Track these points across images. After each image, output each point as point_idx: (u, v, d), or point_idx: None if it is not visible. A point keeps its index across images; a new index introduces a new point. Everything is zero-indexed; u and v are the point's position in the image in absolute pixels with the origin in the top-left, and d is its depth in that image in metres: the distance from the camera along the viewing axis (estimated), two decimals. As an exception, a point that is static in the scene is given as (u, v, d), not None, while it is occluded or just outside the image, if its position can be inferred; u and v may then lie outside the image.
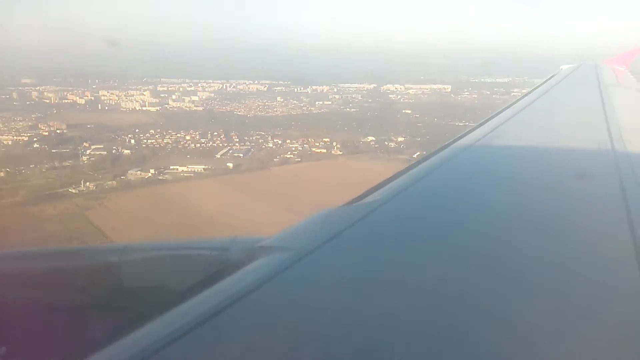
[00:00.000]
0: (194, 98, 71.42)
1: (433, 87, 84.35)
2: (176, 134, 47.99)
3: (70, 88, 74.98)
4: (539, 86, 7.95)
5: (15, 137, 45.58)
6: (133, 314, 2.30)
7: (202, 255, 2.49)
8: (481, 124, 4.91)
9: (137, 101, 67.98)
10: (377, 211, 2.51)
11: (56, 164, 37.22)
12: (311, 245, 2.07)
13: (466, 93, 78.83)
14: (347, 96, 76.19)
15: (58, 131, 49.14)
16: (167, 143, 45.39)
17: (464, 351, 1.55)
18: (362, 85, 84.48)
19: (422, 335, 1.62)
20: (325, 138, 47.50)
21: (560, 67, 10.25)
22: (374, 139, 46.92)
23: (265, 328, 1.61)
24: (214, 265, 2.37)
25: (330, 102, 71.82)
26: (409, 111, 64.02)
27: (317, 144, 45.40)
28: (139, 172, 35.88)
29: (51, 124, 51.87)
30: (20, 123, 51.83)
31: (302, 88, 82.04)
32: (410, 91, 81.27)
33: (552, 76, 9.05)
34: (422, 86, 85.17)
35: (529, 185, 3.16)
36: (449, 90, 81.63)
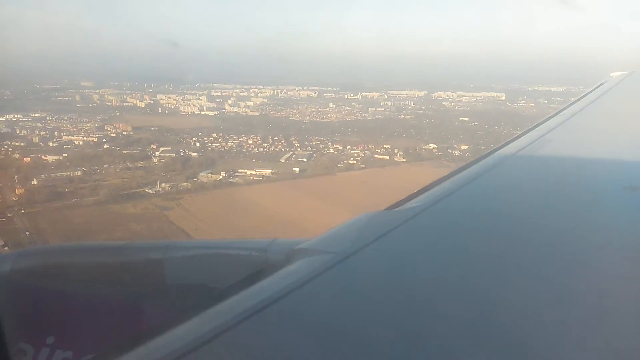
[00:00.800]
0: (249, 103, 72.53)
1: (486, 95, 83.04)
2: (238, 138, 48.73)
3: (128, 92, 77.36)
4: (587, 94, 7.48)
5: (85, 138, 47.17)
6: (175, 311, 2.33)
7: (242, 256, 2.49)
8: (528, 131, 4.73)
9: (194, 105, 69.50)
10: (418, 217, 2.45)
11: (129, 164, 38.29)
12: (350, 249, 2.03)
13: (522, 102, 77.09)
14: (399, 103, 75.86)
15: (124, 133, 50.63)
16: (231, 147, 46.08)
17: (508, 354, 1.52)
18: (412, 92, 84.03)
19: (461, 340, 1.57)
20: (386, 145, 47.31)
21: (610, 74, 9.63)
22: (435, 146, 46.43)
23: (301, 330, 1.59)
24: (253, 265, 2.37)
25: (382, 109, 71.66)
26: (467, 119, 63.10)
27: (379, 151, 45.24)
28: (209, 174, 36.56)
29: (117, 125, 53.55)
30: (88, 124, 53.67)
31: (352, 94, 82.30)
32: (463, 99, 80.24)
33: (601, 84, 8.49)
34: (475, 94, 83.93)
35: (576, 197, 3.00)
36: (503, 98, 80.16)
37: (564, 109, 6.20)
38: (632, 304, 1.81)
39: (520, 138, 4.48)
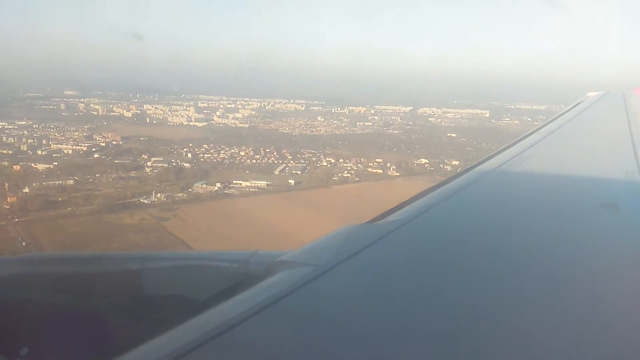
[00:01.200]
0: (237, 115, 72.43)
1: (470, 112, 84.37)
2: (230, 150, 48.57)
3: (113, 101, 76.63)
4: (564, 113, 7.71)
5: (74, 147, 46.50)
6: (152, 323, 2.32)
7: (222, 268, 2.49)
8: (507, 147, 4.84)
9: (182, 116, 69.14)
10: (399, 230, 2.47)
11: (122, 174, 37.85)
12: (331, 262, 2.04)
13: (507, 119, 78.46)
14: (386, 118, 76.62)
15: (114, 142, 50.10)
16: (223, 158, 45.90)
17: None
18: (397, 108, 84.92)
19: (441, 353, 1.60)
20: (378, 159, 47.67)
21: (587, 95, 10.03)
22: (427, 161, 46.93)
23: (281, 342, 1.61)
24: (233, 277, 2.36)
25: (370, 123, 72.23)
26: (454, 135, 63.95)
27: (371, 164, 45.53)
28: (204, 185, 36.32)
29: (105, 135, 52.92)
30: (76, 133, 52.91)
31: (338, 109, 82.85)
32: (448, 115, 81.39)
33: (578, 103, 8.77)
34: (460, 110, 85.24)
35: (552, 212, 3.05)
36: (488, 115, 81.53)
37: (543, 126, 6.36)
38: (610, 320, 1.83)
39: (500, 154, 4.55)
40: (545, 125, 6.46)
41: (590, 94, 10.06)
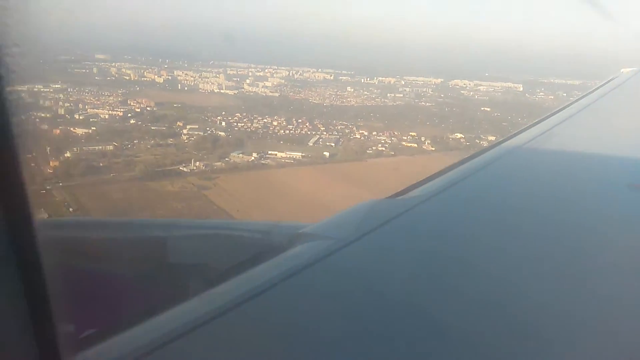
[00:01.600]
0: (267, 84, 72.01)
1: (503, 85, 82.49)
2: (262, 119, 48.48)
3: (144, 66, 76.81)
4: (596, 89, 7.41)
5: (110, 112, 46.90)
6: (176, 290, 2.31)
7: (245, 237, 2.50)
8: (535, 124, 4.69)
9: (212, 83, 69.11)
10: (420, 206, 2.46)
11: (159, 141, 38.12)
12: (351, 236, 2.06)
13: (541, 94, 76.62)
14: (417, 90, 75.41)
15: (148, 108, 50.35)
16: (257, 127, 45.94)
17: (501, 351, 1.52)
18: (428, 79, 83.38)
19: (459, 331, 1.57)
20: (412, 132, 47.14)
21: (621, 70, 9.57)
22: (462, 136, 46.24)
23: (301, 314, 1.60)
24: (255, 247, 2.37)
25: (401, 95, 71.26)
26: (488, 109, 62.83)
27: (405, 138, 45.12)
28: (240, 155, 36.46)
29: (139, 100, 53.16)
30: (110, 98, 53.28)
31: (368, 79, 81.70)
32: (480, 88, 79.74)
33: (611, 79, 8.46)
34: (492, 83, 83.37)
35: (579, 192, 2.98)
36: (521, 89, 79.65)
37: (574, 102, 6.17)
38: (633, 303, 1.80)
39: (527, 130, 4.44)
40: (577, 101, 6.31)
41: (625, 70, 9.69)
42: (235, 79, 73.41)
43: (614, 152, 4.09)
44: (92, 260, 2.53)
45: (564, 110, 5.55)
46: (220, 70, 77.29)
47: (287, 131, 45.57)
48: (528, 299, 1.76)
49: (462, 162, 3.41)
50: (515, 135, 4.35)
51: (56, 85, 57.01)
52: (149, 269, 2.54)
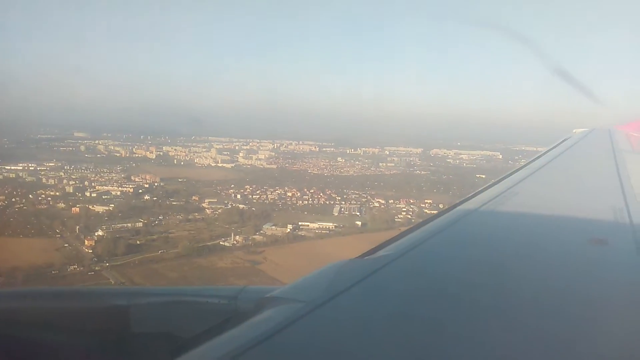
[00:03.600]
0: (260, 156, 72.20)
1: (482, 154, 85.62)
2: (274, 190, 48.03)
3: (128, 143, 75.78)
4: (550, 149, 7.80)
5: (120, 188, 45.37)
6: None
7: (210, 304, 2.46)
8: (491, 185, 4.88)
9: (205, 157, 68.63)
10: (389, 266, 2.48)
11: (184, 216, 36.93)
12: (321, 298, 2.03)
13: (522, 160, 79.20)
14: (405, 159, 77.20)
15: (155, 184, 49.08)
16: (272, 199, 45.31)
17: None
18: (408, 149, 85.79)
19: None
20: (427, 199, 47.66)
21: (573, 131, 10.24)
22: (476, 201, 46.97)
23: None
24: (222, 314, 2.35)
25: (392, 164, 72.64)
26: (483, 176, 64.48)
27: (424, 205, 45.47)
28: (273, 227, 35.59)
29: (143, 176, 51.84)
30: (113, 175, 51.82)
31: (352, 150, 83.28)
32: (462, 156, 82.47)
33: (564, 140, 8.91)
34: (471, 152, 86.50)
35: (538, 252, 3.06)
36: (501, 157, 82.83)
37: (529, 163, 6.39)
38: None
39: (487, 190, 4.59)
40: (532, 161, 6.46)
41: (577, 130, 10.26)
42: (225, 152, 73.37)
43: (571, 209, 4.19)
44: (49, 332, 2.43)
45: (520, 171, 5.73)
46: (206, 145, 77.32)
47: (304, 202, 45.14)
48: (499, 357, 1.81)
49: (425, 222, 3.51)
50: (475, 195, 4.49)
51: (50, 164, 55.24)
52: (111, 339, 2.44)
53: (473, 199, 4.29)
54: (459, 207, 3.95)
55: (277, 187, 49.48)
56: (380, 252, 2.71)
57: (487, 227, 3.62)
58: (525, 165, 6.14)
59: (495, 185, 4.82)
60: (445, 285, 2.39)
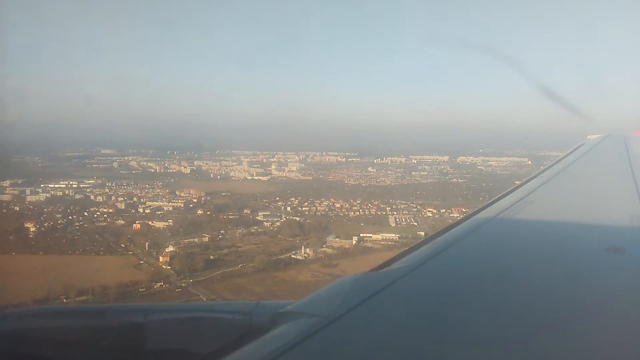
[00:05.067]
0: (292, 168, 72.08)
1: (511, 160, 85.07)
2: (320, 202, 47.72)
3: (157, 159, 75.84)
4: (565, 156, 7.75)
5: (170, 203, 45.18)
6: None
7: (225, 319, 2.45)
8: (507, 193, 4.84)
9: (239, 171, 68.55)
10: (404, 278, 2.47)
11: (245, 229, 36.66)
12: (336, 312, 2.01)
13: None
14: (435, 167, 76.78)
15: (203, 198, 48.92)
16: (322, 210, 44.98)
17: None
18: (433, 157, 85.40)
19: None
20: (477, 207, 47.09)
21: (587, 137, 10.13)
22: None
23: None
24: (237, 329, 2.34)
25: (425, 173, 72.23)
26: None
27: (476, 213, 44.95)
28: (337, 239, 35.23)
29: (187, 191, 51.68)
30: (158, 190, 51.72)
31: (379, 159, 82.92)
32: (492, 163, 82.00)
33: (579, 146, 8.85)
34: (498, 158, 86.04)
35: (557, 259, 3.03)
36: (530, 163, 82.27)
37: (544, 170, 6.37)
38: None
39: (503, 199, 4.55)
40: (547, 169, 6.45)
41: (591, 137, 10.20)
42: (255, 165, 73.28)
43: (588, 215, 4.17)
44: (67, 350, 2.46)
45: (536, 178, 5.72)
46: (234, 158, 77.25)
47: (355, 213, 44.78)
48: None
49: (442, 232, 3.50)
50: (490, 204, 4.47)
51: (90, 181, 55.25)
52: (126, 356, 2.47)
53: (489, 207, 4.26)
54: (473, 217, 3.92)
55: (322, 199, 49.19)
56: (395, 265, 2.69)
57: (503, 237, 3.58)
58: (540, 173, 6.13)
59: (511, 194, 4.77)
60: (461, 297, 2.36)
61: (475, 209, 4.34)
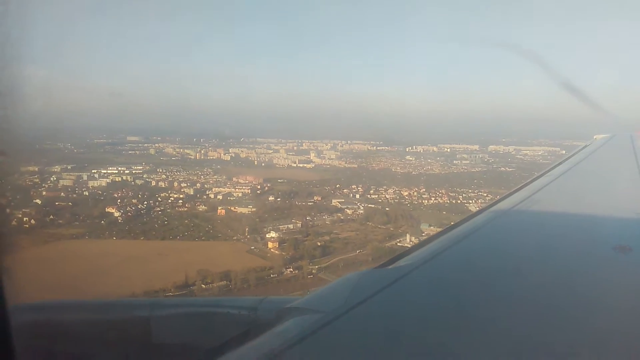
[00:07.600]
0: (331, 156, 70.95)
1: (546, 149, 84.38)
2: (384, 190, 46.84)
3: (188, 145, 74.40)
4: (571, 156, 7.67)
5: (235, 189, 44.03)
6: None
7: (230, 314, 2.42)
8: (515, 191, 4.81)
9: (282, 158, 67.39)
10: (409, 275, 2.42)
11: (333, 217, 35.67)
12: (341, 309, 1.99)
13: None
14: (474, 156, 75.93)
15: (265, 186, 47.78)
16: (392, 198, 44.09)
17: None
18: (464, 146, 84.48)
19: None
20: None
21: (594, 137, 10.11)
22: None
23: None
24: (242, 324, 2.32)
25: (468, 162, 71.35)
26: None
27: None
28: (431, 227, 34.29)
29: (245, 178, 50.49)
30: (215, 177, 50.53)
31: (411, 148, 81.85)
32: (527, 152, 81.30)
33: (585, 146, 8.85)
34: (531, 148, 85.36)
35: (564, 255, 3.01)
36: (564, 152, 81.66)
37: (551, 169, 6.39)
38: None
39: (509, 197, 4.54)
40: (554, 167, 6.45)
41: (597, 137, 10.26)
42: (291, 153, 72.16)
43: (596, 214, 4.14)
44: (73, 344, 2.42)
45: (543, 177, 5.72)
46: (256, 146, 75.84)
47: (429, 201, 43.96)
48: None
49: (447, 230, 3.43)
50: (497, 202, 4.43)
51: (139, 167, 53.90)
52: (132, 350, 2.42)
53: (497, 204, 4.22)
54: (477, 215, 3.87)
55: (384, 187, 48.31)
56: (400, 262, 2.70)
57: (509, 234, 3.56)
58: (546, 172, 6.12)
59: (518, 192, 4.75)
60: (465, 295, 2.32)
61: (484, 206, 4.21)
